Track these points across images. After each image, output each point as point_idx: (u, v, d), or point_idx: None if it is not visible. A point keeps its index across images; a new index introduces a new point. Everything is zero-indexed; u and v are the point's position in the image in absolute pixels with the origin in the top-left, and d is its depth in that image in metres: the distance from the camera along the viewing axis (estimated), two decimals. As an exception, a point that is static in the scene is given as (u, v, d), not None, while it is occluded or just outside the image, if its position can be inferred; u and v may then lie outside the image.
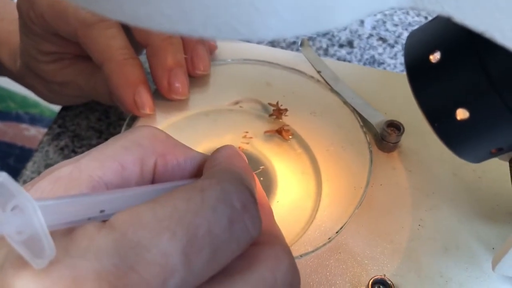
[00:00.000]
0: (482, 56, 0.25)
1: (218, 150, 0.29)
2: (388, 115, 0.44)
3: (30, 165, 0.48)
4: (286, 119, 0.44)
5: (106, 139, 0.28)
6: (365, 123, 0.44)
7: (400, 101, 0.46)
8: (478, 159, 0.30)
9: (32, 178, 0.46)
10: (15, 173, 0.48)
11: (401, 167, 0.43)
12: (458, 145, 0.29)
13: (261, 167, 0.42)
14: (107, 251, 0.20)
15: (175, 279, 0.21)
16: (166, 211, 0.22)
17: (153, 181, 0.28)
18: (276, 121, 0.44)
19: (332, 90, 0.47)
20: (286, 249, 0.25)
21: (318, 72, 0.49)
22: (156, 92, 0.44)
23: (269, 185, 0.40)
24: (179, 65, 0.43)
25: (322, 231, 0.38)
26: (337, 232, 0.38)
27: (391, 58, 0.58)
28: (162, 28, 0.18)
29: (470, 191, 0.41)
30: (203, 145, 0.42)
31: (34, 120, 0.72)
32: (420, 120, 0.30)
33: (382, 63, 0.57)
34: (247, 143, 0.43)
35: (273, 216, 0.29)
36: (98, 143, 0.46)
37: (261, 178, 0.41)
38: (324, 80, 0.48)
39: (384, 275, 0.36)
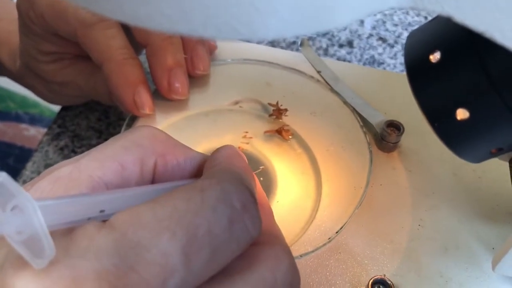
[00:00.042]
0: (482, 56, 0.25)
1: (218, 150, 0.29)
2: (388, 115, 0.44)
3: (29, 165, 0.48)
4: (286, 119, 0.44)
5: (106, 139, 0.28)
6: (365, 123, 0.44)
7: (400, 101, 0.46)
8: (478, 159, 0.30)
9: (31, 178, 0.46)
10: (15, 173, 0.48)
11: (401, 167, 0.43)
12: (458, 145, 0.29)
13: (261, 167, 0.42)
14: (107, 251, 0.20)
15: (175, 279, 0.21)
16: (166, 211, 0.22)
17: (153, 181, 0.28)
18: (276, 121, 0.44)
19: (332, 90, 0.47)
20: (286, 249, 0.25)
21: (318, 72, 0.49)
22: (156, 92, 0.44)
23: (269, 185, 0.40)
24: (179, 65, 0.43)
25: (322, 231, 0.38)
26: (337, 232, 0.38)
27: (391, 58, 0.58)
28: (162, 28, 0.18)
29: (470, 191, 0.41)
30: (203, 145, 0.42)
31: (33, 120, 0.72)
32: (420, 120, 0.30)
33: (382, 63, 0.57)
34: (247, 143, 0.43)
35: (273, 216, 0.29)
36: (98, 143, 0.46)
37: (261, 178, 0.41)
38: (324, 80, 0.48)
39: (384, 275, 0.36)
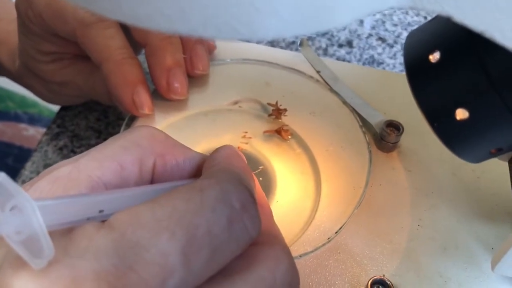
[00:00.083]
0: (481, 56, 0.25)
1: (217, 150, 0.29)
2: (387, 115, 0.44)
3: (29, 165, 0.48)
4: (285, 119, 0.44)
5: (105, 139, 0.28)
6: (365, 123, 0.44)
7: (400, 101, 0.46)
8: (477, 159, 0.30)
9: (31, 178, 0.46)
10: (14, 173, 0.48)
11: (401, 167, 0.43)
12: (457, 145, 0.29)
13: (260, 167, 0.42)
14: (106, 251, 0.20)
15: (174, 279, 0.21)
16: (165, 211, 0.22)
17: (152, 181, 0.28)
18: (275, 121, 0.44)
19: (332, 90, 0.47)
20: (285, 249, 0.25)
21: (318, 72, 0.49)
22: (155, 92, 0.44)
23: (268, 185, 0.40)
24: (178, 65, 0.43)
25: (321, 231, 0.38)
26: (336, 232, 0.38)
27: (391, 58, 0.58)
28: (161, 28, 0.18)
29: (469, 191, 0.41)
30: (202, 145, 0.42)
31: (33, 120, 0.72)
32: (420, 120, 0.30)
33: (382, 63, 0.57)
34: (246, 143, 0.43)
35: (272, 216, 0.29)
36: (97, 143, 0.46)
37: (260, 178, 0.41)
38: (324, 80, 0.48)
39: (383, 275, 0.36)
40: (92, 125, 0.50)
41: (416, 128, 0.43)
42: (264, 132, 0.44)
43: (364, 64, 0.57)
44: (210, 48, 0.49)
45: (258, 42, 0.55)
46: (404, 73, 0.30)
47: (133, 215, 0.22)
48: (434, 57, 0.27)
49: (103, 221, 0.22)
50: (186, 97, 0.44)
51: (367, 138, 0.43)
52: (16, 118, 0.71)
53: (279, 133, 0.43)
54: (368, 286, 0.35)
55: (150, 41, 0.42)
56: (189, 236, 0.22)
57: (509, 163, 0.34)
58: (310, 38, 0.59)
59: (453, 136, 0.29)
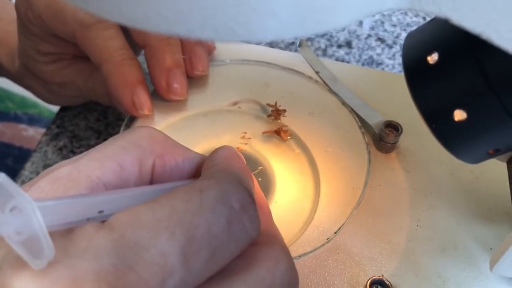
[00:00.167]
0: (479, 57, 0.25)
1: (216, 151, 0.29)
2: (386, 115, 0.44)
3: (28, 166, 0.48)
4: (284, 120, 0.44)
5: (105, 140, 0.28)
6: (363, 124, 0.44)
7: (398, 102, 0.46)
8: (475, 160, 0.30)
9: (30, 179, 0.46)
10: (14, 174, 0.48)
11: (399, 167, 0.43)
12: (455, 146, 0.29)
13: (260, 168, 0.42)
14: (106, 251, 0.20)
15: (173, 279, 0.21)
16: (164, 212, 0.22)
17: (151, 182, 0.28)
18: (274, 121, 0.44)
19: (331, 90, 0.47)
20: (284, 250, 0.25)
21: (317, 72, 0.49)
22: (155, 92, 0.44)
23: (267, 185, 0.40)
24: (178, 65, 0.43)
25: (321, 231, 0.38)
26: (335, 233, 0.38)
27: (390, 58, 0.58)
28: (159, 29, 0.18)
29: (468, 192, 0.41)
30: (202, 145, 0.42)
31: (32, 121, 0.72)
32: (418, 121, 0.30)
33: (381, 64, 0.57)
34: (246, 144, 0.43)
35: (271, 217, 0.29)
36: (96, 144, 0.46)
37: (260, 179, 0.41)
38: (323, 80, 0.48)
39: (382, 275, 0.36)
40: (91, 126, 0.51)
41: (415, 128, 0.43)
42: (263, 132, 0.44)
43: (363, 64, 0.57)
44: (209, 49, 0.49)
45: (257, 43, 0.55)
46: (403, 73, 0.30)
47: (133, 215, 0.22)
48: (432, 58, 0.28)
49: (103, 222, 0.22)
50: (185, 98, 0.44)
51: (366, 139, 0.43)
52: (16, 119, 0.71)
53: (278, 133, 0.43)
54: (367, 286, 0.35)
55: (150, 42, 0.42)
56: (189, 236, 0.22)
57: (507, 163, 0.34)
58: (309, 39, 0.59)
59: (451, 137, 0.29)
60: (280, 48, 0.58)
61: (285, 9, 0.18)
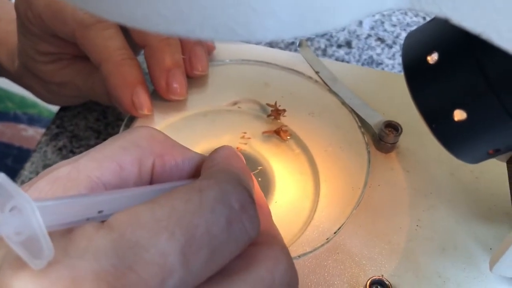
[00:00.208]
0: (479, 57, 0.25)
1: (216, 151, 0.29)
2: (386, 115, 0.44)
3: (28, 166, 0.48)
4: (284, 120, 0.44)
5: (104, 140, 0.28)
6: (363, 124, 0.44)
7: (398, 102, 0.46)
8: (475, 160, 0.30)
9: (30, 179, 0.46)
10: (13, 174, 0.48)
11: (399, 167, 0.43)
12: (455, 146, 0.29)
13: (259, 168, 0.42)
14: (106, 251, 0.20)
15: (173, 279, 0.21)
16: (164, 212, 0.22)
17: (151, 182, 0.28)
18: (274, 121, 0.44)
19: (330, 90, 0.47)
20: (284, 250, 0.25)
21: (316, 72, 0.49)
22: (154, 92, 0.44)
23: (267, 185, 0.40)
24: (177, 65, 0.43)
25: (320, 231, 0.38)
26: (335, 233, 0.38)
27: (389, 58, 0.58)
28: (159, 29, 0.18)
29: (468, 192, 0.41)
30: (201, 145, 0.42)
31: (32, 121, 0.72)
32: (418, 121, 0.30)
33: (380, 64, 0.57)
34: (245, 144, 0.43)
35: (271, 217, 0.29)
36: (96, 144, 0.46)
37: (259, 179, 0.41)
38: (322, 80, 0.48)
39: (382, 275, 0.36)
40: (91, 126, 0.51)
41: (415, 128, 0.43)
42: (263, 132, 0.44)
43: (363, 64, 0.57)
44: (209, 49, 0.49)
45: (257, 43, 0.55)
46: (403, 73, 0.30)
47: (133, 215, 0.22)
48: (432, 58, 0.28)
49: (103, 222, 0.22)
50: (185, 98, 0.44)
51: (366, 139, 0.43)
52: (16, 119, 0.71)
53: (278, 133, 0.43)
54: (367, 286, 0.35)
55: (149, 42, 0.42)
56: (189, 236, 0.22)
57: (507, 163, 0.34)
58: (309, 39, 0.59)
59: (451, 137, 0.29)
60: (280, 48, 0.58)
61: (285, 9, 0.18)
